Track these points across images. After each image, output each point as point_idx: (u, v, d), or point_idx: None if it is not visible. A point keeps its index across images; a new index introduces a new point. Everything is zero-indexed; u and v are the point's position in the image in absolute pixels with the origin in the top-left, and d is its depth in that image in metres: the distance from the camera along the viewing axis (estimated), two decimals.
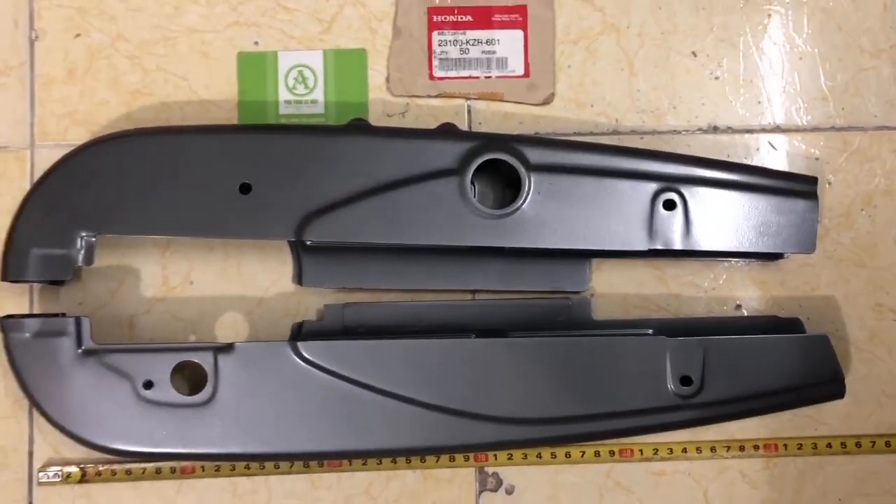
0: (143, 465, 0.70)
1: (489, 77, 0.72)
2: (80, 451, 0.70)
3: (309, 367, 0.67)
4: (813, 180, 0.69)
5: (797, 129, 0.73)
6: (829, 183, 0.73)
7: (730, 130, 0.73)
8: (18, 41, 0.73)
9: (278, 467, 0.70)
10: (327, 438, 0.67)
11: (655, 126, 0.73)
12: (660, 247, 0.68)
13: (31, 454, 0.71)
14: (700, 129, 0.73)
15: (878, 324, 0.72)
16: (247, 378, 0.66)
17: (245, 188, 0.67)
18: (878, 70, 0.73)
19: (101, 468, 0.70)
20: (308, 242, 0.67)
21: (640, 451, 0.71)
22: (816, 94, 0.73)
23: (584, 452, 0.70)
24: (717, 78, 0.73)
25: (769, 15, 0.73)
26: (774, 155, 0.73)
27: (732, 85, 0.73)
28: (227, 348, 0.66)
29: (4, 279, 0.66)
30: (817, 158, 0.73)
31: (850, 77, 0.73)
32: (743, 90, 0.73)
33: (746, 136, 0.73)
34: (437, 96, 0.73)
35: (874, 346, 0.72)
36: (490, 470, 0.71)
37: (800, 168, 0.72)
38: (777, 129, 0.73)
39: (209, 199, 0.67)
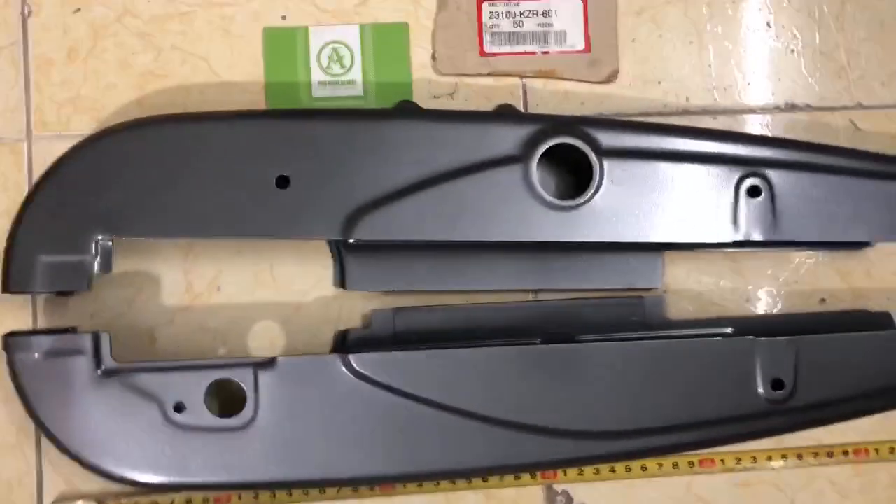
0: (171, 495, 0.62)
1: (546, 53, 0.65)
2: (97, 483, 0.62)
3: (361, 381, 0.59)
4: None
5: (881, 106, 0.67)
6: None
7: (808, 108, 0.67)
8: (9, 17, 0.64)
9: (324, 492, 0.63)
10: (381, 461, 0.59)
11: (729, 104, 0.66)
12: (744, 238, 0.61)
13: (39, 487, 0.62)
14: (777, 108, 0.67)
15: None
16: (291, 396, 0.59)
17: (282, 181, 0.59)
18: None
19: (123, 501, 0.62)
20: (353, 241, 0.60)
21: (722, 460, 0.65)
22: None
23: (661, 464, 0.64)
24: (792, 51, 0.67)
25: None
26: (858, 135, 0.67)
27: (810, 59, 0.67)
28: (269, 363, 0.59)
29: (6, 290, 0.58)
30: None
31: None
32: (821, 64, 0.67)
33: (826, 114, 0.67)
34: (488, 75, 0.65)
35: None
36: (559, 487, 0.64)
37: (884, 148, 0.66)
38: (859, 107, 0.67)
39: (242, 194, 0.59)
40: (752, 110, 0.67)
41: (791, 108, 0.67)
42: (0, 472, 0.62)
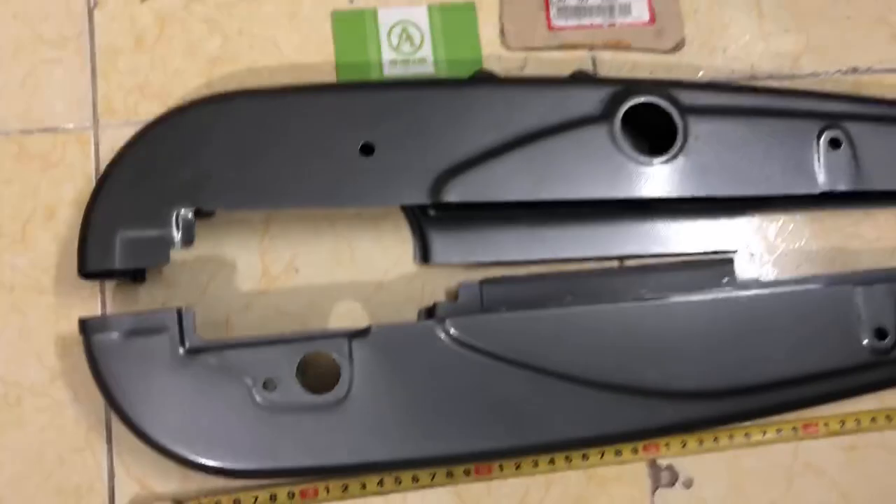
0: (253, 493, 0.57)
1: (612, 25, 0.66)
2: (174, 483, 0.57)
3: (458, 346, 0.56)
4: None
5: None
6: None
7: (870, 71, 0.68)
8: (75, 9, 0.63)
9: (417, 481, 0.59)
10: (482, 433, 0.56)
11: (793, 70, 0.67)
12: (829, 188, 0.61)
13: (111, 492, 0.58)
14: (839, 71, 0.68)
15: None
16: (387, 367, 0.56)
17: (367, 149, 0.57)
18: None
19: (203, 500, 0.57)
20: (431, 213, 0.59)
21: (826, 424, 0.62)
22: None
23: (765, 432, 0.62)
24: (848, 17, 0.68)
25: None
26: None
27: (865, 24, 0.68)
28: (363, 333, 0.56)
29: (83, 271, 0.55)
30: None
31: None
32: (877, 29, 0.68)
33: (886, 76, 0.68)
34: (557, 48, 0.65)
35: None
36: (663, 462, 0.61)
37: None
38: None
39: (327, 163, 0.57)
40: (815, 74, 0.67)
41: (853, 71, 0.68)
42: (69, 477, 0.57)
